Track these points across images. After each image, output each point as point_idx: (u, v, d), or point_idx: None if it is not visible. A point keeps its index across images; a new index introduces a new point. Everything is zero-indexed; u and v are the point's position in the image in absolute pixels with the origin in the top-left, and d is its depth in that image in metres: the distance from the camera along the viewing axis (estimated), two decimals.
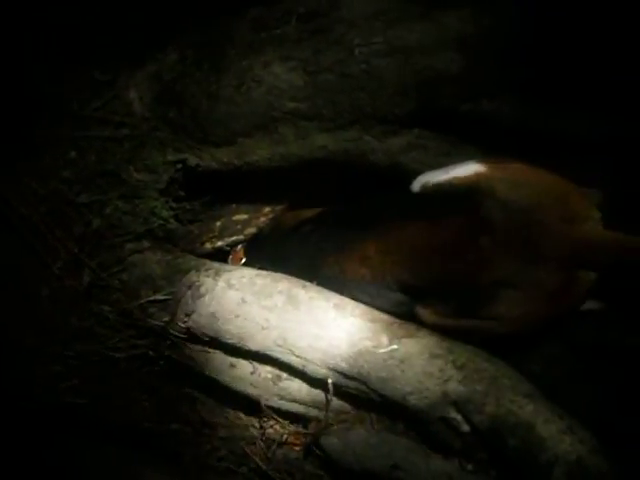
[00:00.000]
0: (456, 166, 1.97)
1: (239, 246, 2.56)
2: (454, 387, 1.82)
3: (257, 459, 2.08)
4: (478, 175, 1.90)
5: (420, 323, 1.96)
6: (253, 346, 2.01)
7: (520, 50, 1.97)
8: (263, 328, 1.99)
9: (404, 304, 1.99)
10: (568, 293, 1.84)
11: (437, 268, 1.91)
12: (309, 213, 2.38)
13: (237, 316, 2.02)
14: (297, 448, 2.06)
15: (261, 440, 2.10)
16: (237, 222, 2.55)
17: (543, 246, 1.80)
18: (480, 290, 1.85)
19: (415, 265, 1.95)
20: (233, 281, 2.07)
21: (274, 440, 2.08)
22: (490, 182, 1.87)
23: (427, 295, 1.95)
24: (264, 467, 2.06)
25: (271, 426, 2.10)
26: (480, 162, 1.93)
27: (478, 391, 1.80)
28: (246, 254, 2.52)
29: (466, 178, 1.91)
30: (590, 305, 1.94)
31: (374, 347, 1.90)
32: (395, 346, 1.89)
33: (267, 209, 2.55)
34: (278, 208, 2.55)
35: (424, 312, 1.95)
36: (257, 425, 2.12)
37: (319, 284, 2.08)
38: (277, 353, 1.99)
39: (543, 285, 1.81)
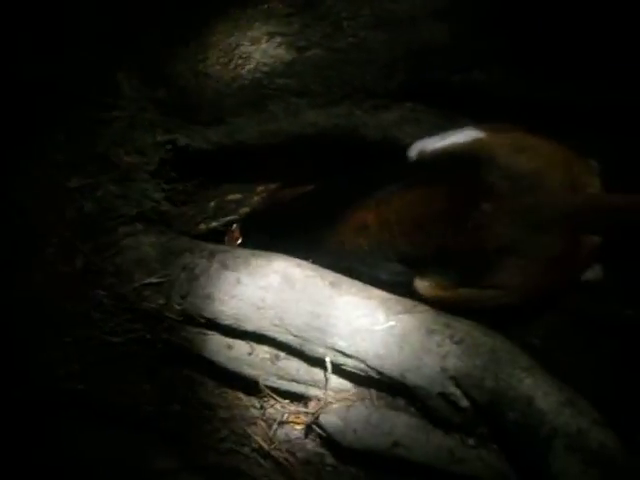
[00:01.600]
0: (454, 132, 1.94)
1: (234, 226, 2.53)
2: (453, 362, 1.80)
3: (259, 439, 2.07)
4: (477, 141, 1.87)
5: (418, 296, 1.94)
6: (250, 326, 2.00)
7: (510, 18, 1.95)
8: (259, 308, 1.97)
9: (403, 274, 1.97)
10: (572, 258, 1.82)
11: (436, 237, 1.88)
12: (303, 189, 2.36)
13: (233, 297, 2.00)
14: (298, 427, 2.05)
15: (262, 420, 2.08)
16: (231, 202, 2.54)
17: (546, 212, 1.77)
18: (481, 259, 1.83)
19: (414, 234, 1.93)
20: (228, 262, 2.05)
21: (275, 420, 2.06)
22: (490, 148, 1.84)
23: (426, 265, 1.93)
24: (266, 447, 2.05)
25: (271, 406, 2.09)
26: (478, 128, 1.90)
27: (477, 366, 1.78)
28: (242, 234, 2.50)
29: (465, 144, 1.88)
30: (590, 275, 1.92)
31: (371, 324, 1.88)
32: (392, 323, 1.87)
33: (261, 188, 2.54)
34: (272, 186, 2.54)
35: (422, 285, 1.93)
36: (257, 405, 2.10)
37: (318, 258, 2.07)
38: (274, 333, 1.98)
39: (547, 251, 1.79)
